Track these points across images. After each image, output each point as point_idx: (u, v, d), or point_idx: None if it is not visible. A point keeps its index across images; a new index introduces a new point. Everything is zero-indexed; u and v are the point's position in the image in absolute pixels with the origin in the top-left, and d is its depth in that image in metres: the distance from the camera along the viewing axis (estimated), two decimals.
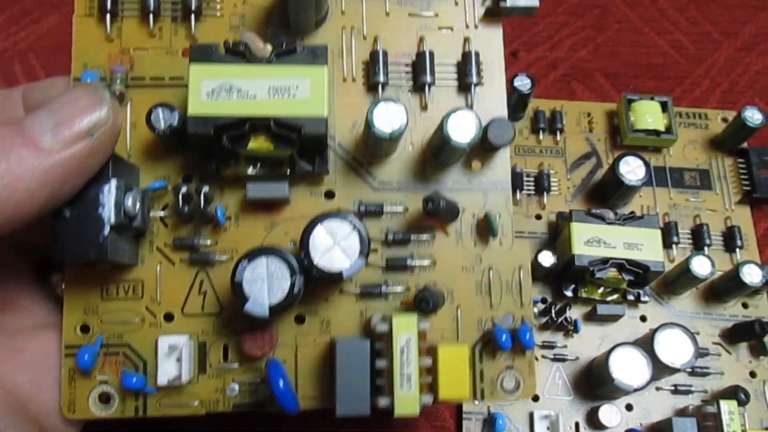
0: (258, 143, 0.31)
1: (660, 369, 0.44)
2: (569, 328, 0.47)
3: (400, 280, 0.35)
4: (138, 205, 0.31)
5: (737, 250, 0.51)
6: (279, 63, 0.31)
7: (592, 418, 0.45)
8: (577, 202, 0.52)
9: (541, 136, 0.54)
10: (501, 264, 0.35)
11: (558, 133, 0.54)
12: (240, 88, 0.30)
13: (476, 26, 0.37)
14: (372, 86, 0.36)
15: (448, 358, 0.31)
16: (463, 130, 0.32)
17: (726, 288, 0.48)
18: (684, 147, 0.54)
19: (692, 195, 0.53)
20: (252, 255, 0.30)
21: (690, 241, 0.51)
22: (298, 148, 0.32)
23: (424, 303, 0.32)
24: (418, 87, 0.36)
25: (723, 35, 0.61)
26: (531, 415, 0.45)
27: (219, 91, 0.30)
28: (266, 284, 0.30)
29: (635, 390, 0.43)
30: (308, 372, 0.34)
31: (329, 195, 0.35)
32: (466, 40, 0.37)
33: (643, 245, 0.46)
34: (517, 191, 0.52)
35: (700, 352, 0.47)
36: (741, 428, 0.42)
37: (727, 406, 0.42)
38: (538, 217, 0.51)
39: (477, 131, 0.32)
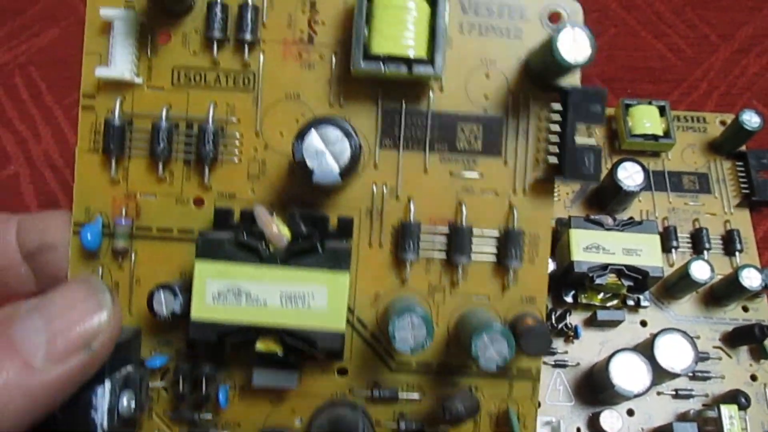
0: (265, 345, 0.29)
1: (660, 374, 0.44)
2: (570, 334, 0.47)
3: None
4: (133, 406, 0.29)
5: (737, 253, 0.50)
6: (295, 266, 0.28)
7: (594, 424, 0.45)
8: (576, 208, 0.52)
9: None
10: None
11: None
12: (249, 292, 0.28)
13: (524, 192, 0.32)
14: (399, 261, 0.32)
15: None
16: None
17: (726, 292, 0.48)
18: (682, 151, 0.54)
19: (691, 199, 0.53)
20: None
21: (689, 245, 0.51)
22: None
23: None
24: (450, 263, 0.32)
25: (720, 38, 0.61)
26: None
27: (226, 295, 0.28)
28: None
29: (636, 396, 0.43)
30: None
31: (342, 372, 0.32)
32: (512, 207, 0.32)
33: (642, 251, 0.46)
34: None
35: (701, 357, 0.47)
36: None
37: (727, 411, 0.42)
38: None
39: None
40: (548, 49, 0.29)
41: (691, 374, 0.47)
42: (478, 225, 0.32)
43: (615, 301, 0.48)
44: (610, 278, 0.46)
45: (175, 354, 0.32)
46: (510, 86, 0.32)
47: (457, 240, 0.32)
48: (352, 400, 0.32)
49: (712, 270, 0.46)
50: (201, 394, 0.31)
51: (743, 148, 0.54)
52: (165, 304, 0.29)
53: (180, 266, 0.31)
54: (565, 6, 0.32)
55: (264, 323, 0.28)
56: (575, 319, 0.48)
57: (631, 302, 0.48)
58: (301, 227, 0.29)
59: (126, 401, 0.28)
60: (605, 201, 0.51)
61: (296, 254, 0.28)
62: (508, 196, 0.32)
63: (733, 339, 0.48)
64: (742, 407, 0.44)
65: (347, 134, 0.28)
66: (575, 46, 0.29)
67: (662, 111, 0.53)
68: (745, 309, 0.49)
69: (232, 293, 0.28)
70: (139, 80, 0.31)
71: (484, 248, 0.32)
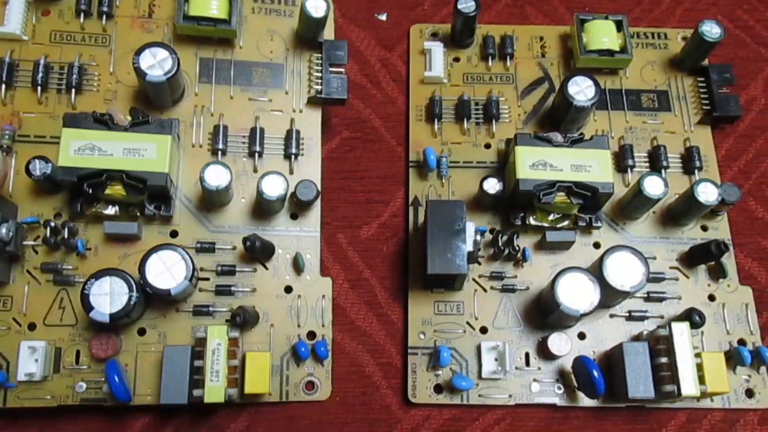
0: (113, 190, 0.40)
1: (611, 294, 0.42)
2: (518, 258, 0.45)
3: (226, 302, 0.43)
4: (11, 234, 0.39)
5: (696, 171, 0.48)
6: (133, 131, 0.41)
7: (543, 348, 0.44)
8: (529, 129, 0.50)
9: (490, 63, 0.52)
10: (308, 293, 0.44)
11: (508, 58, 0.52)
12: (100, 147, 0.40)
13: (301, 111, 0.47)
14: (214, 152, 0.45)
15: (253, 361, 0.40)
16: None
17: (683, 209, 0.46)
18: (642, 68, 0.52)
19: (650, 117, 0.50)
20: (98, 274, 0.39)
21: (647, 163, 0.49)
22: (148, 196, 0.41)
23: (237, 318, 0.40)
24: (251, 154, 0.46)
25: None
26: (479, 347, 0.44)
27: (84, 149, 0.40)
28: (108, 297, 0.38)
29: (583, 315, 0.41)
30: (146, 374, 0.41)
31: (174, 234, 0.44)
32: (292, 120, 0.47)
33: (592, 167, 0.44)
34: (465, 120, 0.49)
35: (656, 277, 0.45)
36: (695, 350, 0.40)
37: (678, 328, 0.40)
38: (488, 146, 0.49)
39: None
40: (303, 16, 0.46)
41: (645, 295, 0.45)
42: (269, 132, 0.47)
43: (566, 222, 0.46)
44: (559, 196, 0.44)
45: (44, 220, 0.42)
46: (287, 46, 0.48)
47: (254, 136, 0.46)
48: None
49: (666, 185, 0.44)
50: (66, 240, 0.41)
51: (705, 62, 0.51)
52: (39, 168, 0.40)
53: (53, 157, 0.41)
54: None
55: (111, 167, 0.40)
56: (525, 242, 0.46)
57: (583, 223, 0.46)
58: (139, 116, 0.42)
59: (5, 230, 0.39)
60: (558, 120, 0.49)
61: (135, 125, 0.41)
62: (290, 113, 0.47)
63: (691, 258, 0.46)
64: (696, 325, 0.42)
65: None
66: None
67: (619, 26, 0.50)
68: (704, 228, 0.47)
69: (88, 148, 0.40)
70: (26, 38, 0.46)
71: (273, 145, 0.47)
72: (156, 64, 0.42)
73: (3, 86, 0.44)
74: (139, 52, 0.42)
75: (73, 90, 0.45)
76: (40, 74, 0.44)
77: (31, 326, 0.41)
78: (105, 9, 0.46)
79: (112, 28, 0.47)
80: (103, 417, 0.42)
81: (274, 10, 0.49)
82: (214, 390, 0.38)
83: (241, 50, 0.48)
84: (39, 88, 0.44)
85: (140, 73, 0.42)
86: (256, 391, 0.40)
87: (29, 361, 0.39)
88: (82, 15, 0.46)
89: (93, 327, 0.41)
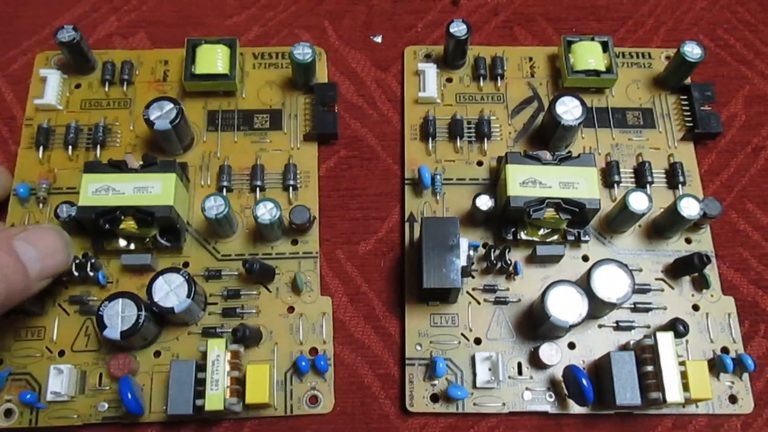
0: (127, 224, 0.44)
1: (598, 305, 0.44)
2: (510, 271, 0.47)
3: (233, 324, 0.45)
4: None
5: (680, 186, 0.50)
6: (143, 172, 0.45)
7: (534, 358, 0.45)
8: (519, 147, 0.52)
9: (481, 83, 0.54)
10: (308, 312, 0.47)
11: (499, 78, 0.54)
12: (114, 188, 0.44)
13: (298, 148, 0.52)
14: (219, 189, 0.50)
15: (254, 373, 0.42)
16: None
17: (667, 223, 0.48)
18: (627, 87, 0.54)
19: (635, 134, 0.52)
20: (111, 297, 0.42)
21: (632, 179, 0.51)
22: (159, 229, 0.46)
23: (238, 332, 0.42)
24: (252, 189, 0.50)
25: None
26: (473, 358, 0.45)
27: (100, 190, 0.44)
28: (119, 317, 0.42)
29: (572, 326, 0.42)
30: (161, 391, 0.44)
31: (185, 264, 0.48)
32: (290, 156, 0.51)
33: (579, 183, 0.46)
34: (458, 138, 0.51)
35: (642, 288, 0.47)
36: (680, 359, 0.42)
37: (663, 338, 0.42)
38: (480, 163, 0.51)
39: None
40: (293, 63, 0.52)
41: (632, 306, 0.47)
42: (269, 168, 0.51)
43: (555, 237, 0.48)
44: (548, 212, 0.46)
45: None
46: (283, 92, 0.54)
47: (255, 172, 0.50)
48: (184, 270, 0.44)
49: (650, 200, 0.46)
50: (88, 275, 0.46)
51: (687, 81, 0.53)
52: (66, 211, 0.46)
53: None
54: None
55: (123, 204, 0.44)
56: (516, 256, 0.48)
57: (571, 237, 0.48)
58: (150, 160, 0.46)
59: None
60: (547, 138, 0.51)
61: (144, 167, 0.46)
62: (289, 150, 0.52)
63: (675, 270, 0.48)
64: (680, 334, 0.44)
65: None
66: None
67: (605, 47, 0.53)
68: (688, 241, 0.49)
69: (104, 189, 0.45)
70: (60, 107, 0.53)
71: (273, 180, 0.51)
72: (162, 114, 0.47)
73: (41, 148, 0.50)
74: (148, 106, 0.47)
75: (98, 146, 0.51)
76: (71, 135, 0.50)
77: (61, 353, 0.45)
78: (126, 77, 0.53)
79: (132, 92, 0.53)
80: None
81: (272, 64, 0.55)
82: (214, 398, 0.40)
83: (243, 100, 0.53)
84: (70, 147, 0.50)
85: (149, 124, 0.47)
86: (257, 401, 0.42)
87: (56, 382, 0.43)
88: (107, 84, 0.53)
89: (112, 349, 0.45)
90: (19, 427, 0.44)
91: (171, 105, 0.47)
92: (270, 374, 0.43)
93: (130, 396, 0.41)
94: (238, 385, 0.42)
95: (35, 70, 0.54)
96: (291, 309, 0.47)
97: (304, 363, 0.44)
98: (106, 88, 0.53)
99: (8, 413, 0.44)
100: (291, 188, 0.50)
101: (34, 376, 0.44)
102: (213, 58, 0.51)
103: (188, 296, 0.43)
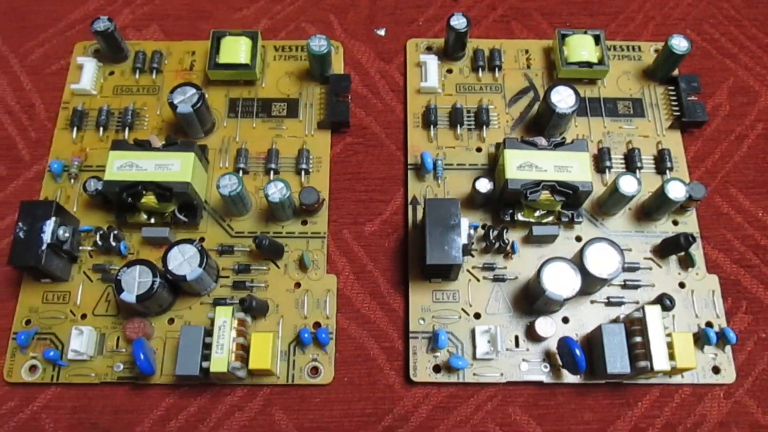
0: (148, 199, 0.48)
1: (591, 281, 0.46)
2: (507, 251, 0.50)
3: (242, 296, 0.47)
4: (68, 235, 0.47)
5: (667, 171, 0.53)
6: (164, 151, 0.48)
7: (531, 331, 0.48)
8: (516, 134, 0.55)
9: (480, 74, 0.57)
10: (314, 288, 0.49)
11: (497, 70, 0.57)
12: (137, 164, 0.48)
13: (312, 134, 0.55)
14: (236, 171, 0.53)
15: (257, 341, 0.45)
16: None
17: (654, 206, 0.51)
18: (618, 78, 0.57)
19: (625, 123, 0.55)
20: (129, 264, 0.45)
21: (623, 164, 0.54)
22: (178, 205, 0.49)
23: (245, 302, 0.45)
24: (267, 171, 0.53)
25: None
26: (473, 331, 0.48)
27: (124, 166, 0.48)
28: (136, 282, 0.45)
29: (566, 300, 0.45)
30: (173, 355, 0.47)
31: (201, 239, 0.51)
32: (304, 141, 0.54)
33: (573, 167, 0.48)
34: (458, 126, 0.54)
35: (631, 267, 0.50)
36: (666, 331, 0.45)
37: (651, 310, 0.45)
38: (479, 149, 0.54)
39: None
40: (309, 54, 0.56)
41: (622, 283, 0.50)
42: (284, 152, 0.54)
43: (550, 218, 0.50)
44: (544, 194, 0.48)
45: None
46: (301, 83, 0.57)
47: (270, 156, 0.53)
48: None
49: (639, 183, 0.48)
50: (111, 245, 0.49)
51: (675, 73, 0.56)
52: (93, 185, 0.50)
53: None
54: None
55: (145, 179, 0.48)
56: (513, 236, 0.51)
57: (565, 218, 0.50)
58: (172, 140, 0.49)
59: (62, 232, 0.47)
60: (542, 126, 0.53)
61: (166, 146, 0.49)
62: (303, 136, 0.55)
63: (662, 249, 0.50)
64: (667, 308, 0.47)
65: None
66: None
67: (597, 40, 0.56)
68: (675, 222, 0.52)
69: (128, 165, 0.48)
70: (95, 92, 0.57)
71: (287, 163, 0.54)
72: (185, 99, 0.51)
73: (75, 128, 0.55)
74: (172, 91, 0.51)
75: (127, 129, 0.55)
76: (102, 118, 0.55)
77: (83, 316, 0.49)
78: (155, 66, 0.57)
79: (160, 80, 0.57)
80: (136, 395, 0.47)
81: (291, 56, 0.58)
82: (219, 361, 0.43)
83: (263, 89, 0.57)
84: (101, 128, 0.54)
85: (172, 107, 0.50)
86: (259, 367, 0.44)
87: (77, 341, 0.47)
88: (137, 72, 0.57)
89: (129, 314, 0.48)
90: (41, 382, 0.47)
91: (194, 90, 0.51)
92: (273, 343, 0.46)
93: (142, 357, 0.44)
94: (243, 351, 0.45)
95: (73, 57, 0.58)
96: (298, 285, 0.49)
97: (306, 335, 0.47)
98: (137, 76, 0.57)
99: (33, 369, 0.47)
100: (303, 172, 0.53)
101: (58, 336, 0.48)
102: (236, 49, 0.54)
103: (200, 266, 0.45)
